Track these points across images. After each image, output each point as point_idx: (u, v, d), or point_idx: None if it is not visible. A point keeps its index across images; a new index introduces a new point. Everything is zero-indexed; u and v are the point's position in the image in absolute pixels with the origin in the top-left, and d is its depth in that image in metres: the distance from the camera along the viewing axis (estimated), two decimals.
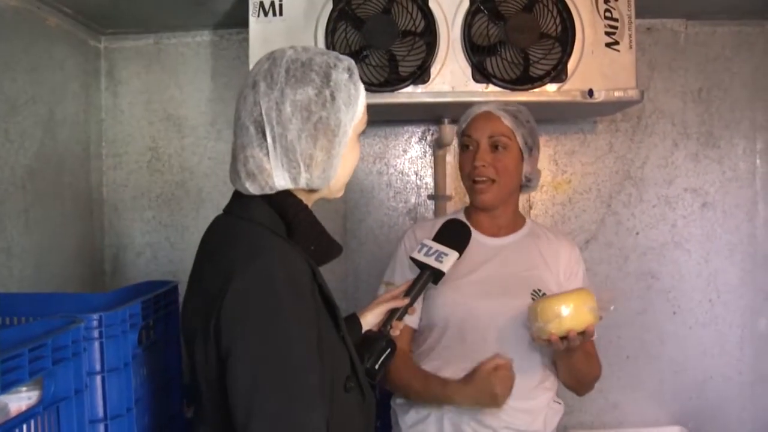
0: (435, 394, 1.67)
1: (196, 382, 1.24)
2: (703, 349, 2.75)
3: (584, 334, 1.52)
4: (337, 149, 1.23)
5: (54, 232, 2.33)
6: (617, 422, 2.76)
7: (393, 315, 1.59)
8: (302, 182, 1.23)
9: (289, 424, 1.09)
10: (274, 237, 1.21)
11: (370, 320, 1.61)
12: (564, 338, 1.52)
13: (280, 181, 1.22)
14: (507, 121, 1.74)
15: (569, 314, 1.49)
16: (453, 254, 1.61)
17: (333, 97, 1.21)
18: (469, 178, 1.76)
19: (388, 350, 1.52)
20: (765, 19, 2.69)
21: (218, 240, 1.27)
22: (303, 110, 1.19)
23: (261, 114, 1.20)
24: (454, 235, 1.66)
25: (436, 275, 1.61)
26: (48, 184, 2.29)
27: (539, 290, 1.70)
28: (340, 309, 1.33)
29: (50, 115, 2.31)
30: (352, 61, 1.28)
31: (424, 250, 1.63)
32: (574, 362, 1.67)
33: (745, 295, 2.74)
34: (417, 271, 1.66)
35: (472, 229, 1.72)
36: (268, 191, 1.23)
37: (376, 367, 1.48)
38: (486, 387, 1.58)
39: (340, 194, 1.35)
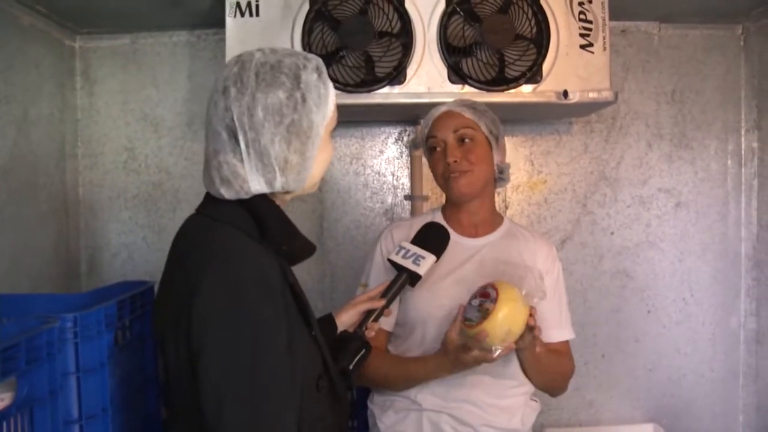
0: (418, 374, 1.68)
1: (168, 383, 1.24)
2: (676, 347, 2.79)
3: (531, 329, 1.54)
4: (311, 151, 1.24)
5: (29, 232, 2.31)
6: (593, 420, 2.79)
7: (369, 316, 1.60)
8: (278, 186, 1.23)
9: (258, 425, 1.09)
10: (244, 238, 1.21)
11: (345, 321, 1.62)
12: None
13: (256, 185, 1.22)
14: (468, 114, 1.75)
15: (511, 321, 1.48)
16: (430, 258, 1.62)
17: (304, 99, 1.21)
18: (444, 176, 1.76)
19: (363, 351, 1.52)
20: (736, 23, 2.74)
21: (189, 240, 1.27)
22: (275, 114, 1.19)
23: (233, 119, 1.20)
24: (433, 239, 1.67)
25: (413, 278, 1.62)
26: (22, 184, 2.27)
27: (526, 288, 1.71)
28: (312, 308, 1.34)
29: (24, 114, 2.29)
30: (320, 61, 1.28)
31: (402, 252, 1.64)
32: (538, 360, 1.68)
33: (718, 294, 2.79)
34: (393, 272, 1.67)
35: (449, 229, 1.74)
36: (243, 196, 1.23)
37: (351, 367, 1.49)
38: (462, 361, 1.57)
39: (313, 190, 1.35)
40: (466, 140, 1.73)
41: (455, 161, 1.71)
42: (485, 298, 1.51)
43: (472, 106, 1.77)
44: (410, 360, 1.72)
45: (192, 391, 1.12)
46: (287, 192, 1.28)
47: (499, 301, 1.48)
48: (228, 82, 1.22)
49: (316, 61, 1.27)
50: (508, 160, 1.86)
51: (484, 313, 1.48)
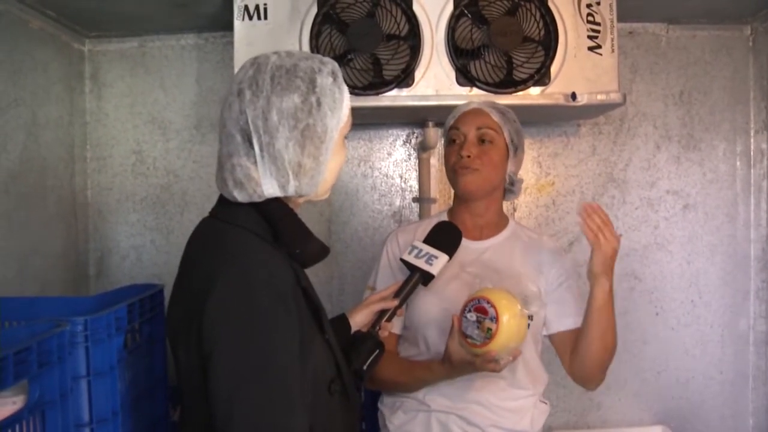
0: (425, 380, 1.68)
1: (181, 385, 1.24)
2: (685, 349, 2.78)
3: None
4: (325, 155, 1.23)
5: (38, 235, 2.32)
6: (601, 422, 2.78)
7: (382, 316, 1.60)
8: (291, 190, 1.23)
9: (268, 428, 1.10)
10: (257, 241, 1.22)
11: (359, 321, 1.62)
12: None
13: (269, 189, 1.22)
14: (495, 117, 1.74)
15: (516, 335, 1.48)
16: (443, 257, 1.62)
17: (319, 103, 1.21)
18: (454, 169, 1.75)
19: (377, 351, 1.52)
20: (743, 24, 2.73)
21: (203, 243, 1.27)
22: (289, 118, 1.19)
23: (247, 122, 1.20)
24: (445, 238, 1.66)
25: (426, 277, 1.62)
26: (31, 187, 2.28)
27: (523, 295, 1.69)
28: (326, 312, 1.34)
29: (33, 118, 2.30)
30: (336, 64, 1.28)
31: (415, 252, 1.63)
32: (594, 324, 1.64)
33: (726, 296, 2.78)
34: (399, 275, 1.67)
35: None
36: (256, 199, 1.23)
37: (365, 367, 1.49)
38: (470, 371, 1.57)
39: (326, 196, 1.35)
40: (486, 141, 1.73)
41: (468, 156, 1.71)
42: (482, 314, 1.47)
43: (502, 110, 1.77)
44: (416, 365, 1.72)
45: (204, 393, 1.13)
46: (300, 196, 1.28)
47: (501, 321, 1.45)
48: (243, 85, 1.21)
49: (332, 65, 1.26)
50: None
51: (488, 334, 1.46)
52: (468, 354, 1.51)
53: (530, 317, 1.54)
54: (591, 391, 1.85)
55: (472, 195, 1.77)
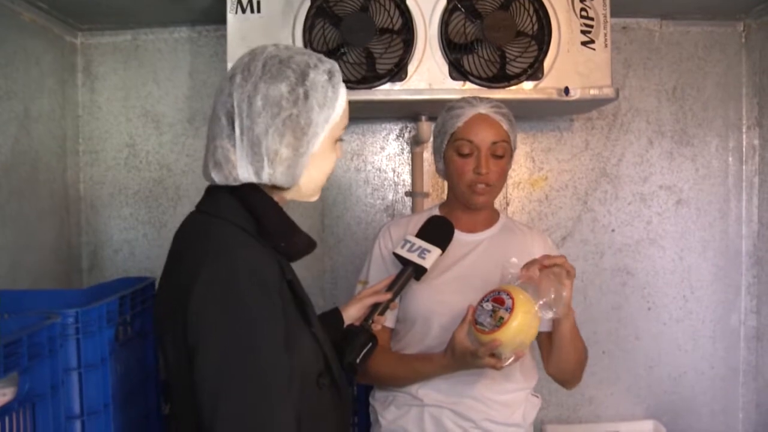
0: (423, 372, 1.68)
1: (169, 379, 1.25)
2: (677, 344, 2.79)
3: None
4: (305, 148, 1.23)
5: (30, 228, 2.31)
6: (593, 416, 2.79)
7: (375, 309, 1.61)
8: (264, 177, 1.22)
9: (253, 422, 1.09)
10: (241, 235, 1.22)
11: (352, 314, 1.62)
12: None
13: (244, 173, 1.22)
14: (505, 126, 1.71)
15: (525, 333, 1.49)
16: (435, 251, 1.62)
17: (306, 96, 1.21)
18: (471, 186, 1.72)
19: (370, 344, 1.53)
20: (737, 20, 2.74)
21: (188, 238, 1.27)
22: (273, 105, 1.19)
23: (233, 105, 1.21)
24: (438, 232, 1.67)
25: (419, 271, 1.62)
26: (23, 180, 2.28)
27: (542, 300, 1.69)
28: (312, 305, 1.34)
29: (25, 111, 2.29)
30: (336, 66, 1.28)
31: (407, 245, 1.63)
32: (575, 334, 1.66)
33: (718, 291, 2.79)
34: (392, 269, 1.66)
35: None
36: (231, 182, 1.24)
37: (357, 361, 1.49)
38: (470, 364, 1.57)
39: (314, 198, 1.34)
40: (499, 153, 1.71)
41: (488, 173, 1.69)
42: (499, 304, 1.49)
43: (509, 117, 1.73)
44: (414, 358, 1.72)
45: (191, 386, 1.13)
46: (280, 188, 1.27)
47: (515, 313, 1.46)
48: (236, 70, 1.23)
49: (331, 65, 1.27)
50: None
51: (498, 322, 1.47)
52: (473, 342, 1.51)
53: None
54: (569, 390, 1.88)
55: (484, 208, 1.79)
